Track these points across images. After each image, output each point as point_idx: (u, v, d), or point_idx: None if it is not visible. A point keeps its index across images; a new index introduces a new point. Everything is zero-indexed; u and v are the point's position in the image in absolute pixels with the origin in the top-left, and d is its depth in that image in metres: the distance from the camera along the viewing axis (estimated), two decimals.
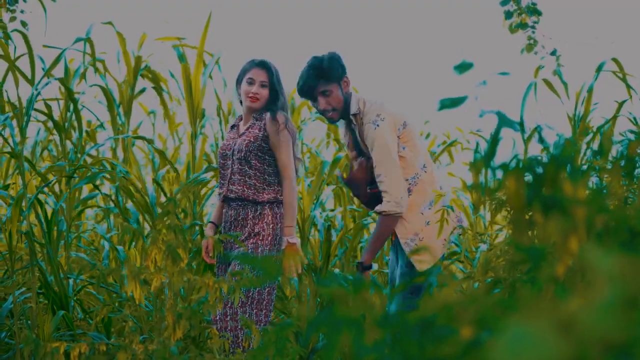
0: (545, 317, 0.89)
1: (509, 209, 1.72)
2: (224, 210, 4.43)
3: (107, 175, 5.24)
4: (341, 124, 4.35)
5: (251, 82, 4.35)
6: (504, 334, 0.92)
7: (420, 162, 4.09)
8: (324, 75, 4.09)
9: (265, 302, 4.20)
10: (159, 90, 6.14)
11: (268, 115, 4.33)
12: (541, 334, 0.87)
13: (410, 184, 4.07)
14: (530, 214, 1.65)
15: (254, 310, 4.15)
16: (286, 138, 4.30)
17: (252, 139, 4.30)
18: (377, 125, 4.00)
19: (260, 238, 4.23)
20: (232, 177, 4.31)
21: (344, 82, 4.13)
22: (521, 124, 1.43)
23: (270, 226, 4.26)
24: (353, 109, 4.10)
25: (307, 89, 4.13)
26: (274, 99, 4.36)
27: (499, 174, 1.61)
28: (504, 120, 1.50)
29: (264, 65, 4.37)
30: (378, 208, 4.01)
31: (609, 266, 0.85)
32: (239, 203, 4.30)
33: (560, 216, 1.52)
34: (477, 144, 1.76)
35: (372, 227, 6.33)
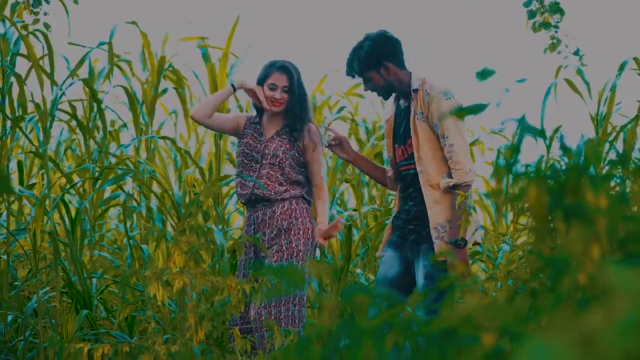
0: (566, 333, 0.89)
1: (530, 216, 1.72)
2: (247, 214, 4.40)
3: (139, 176, 5.27)
4: (386, 103, 4.34)
5: (273, 88, 4.34)
6: (525, 348, 0.92)
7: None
8: (359, 65, 4.08)
9: (297, 298, 4.23)
10: (179, 90, 6.17)
11: (310, 128, 4.39)
12: (562, 350, 0.87)
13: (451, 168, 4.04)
14: (552, 221, 1.65)
15: (288, 307, 4.18)
16: (321, 155, 4.42)
17: (288, 147, 4.34)
18: (449, 97, 3.99)
19: (293, 234, 4.25)
20: (259, 180, 4.30)
21: (384, 69, 4.06)
22: (542, 132, 1.42)
23: (300, 220, 4.28)
24: (414, 85, 4.06)
25: (347, 75, 4.17)
26: (295, 102, 4.35)
27: (521, 181, 1.61)
28: (526, 128, 1.50)
29: (284, 69, 4.36)
30: (454, 181, 3.92)
31: (629, 283, 0.85)
32: (265, 203, 4.30)
33: (582, 225, 1.52)
34: (499, 150, 1.77)
35: None
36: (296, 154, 4.36)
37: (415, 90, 4.06)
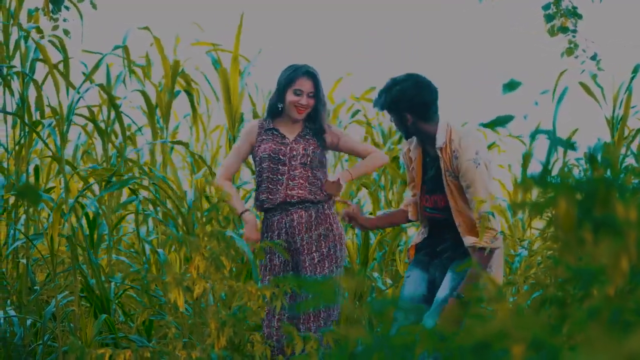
0: (609, 353, 0.89)
1: (557, 226, 1.72)
2: (275, 218, 4.31)
3: (140, 181, 5.28)
4: (407, 144, 4.26)
5: (299, 93, 4.26)
6: None
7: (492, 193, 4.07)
8: (383, 104, 4.05)
9: (333, 312, 4.25)
10: (190, 95, 6.18)
11: (331, 129, 4.39)
12: None
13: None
14: (579, 232, 1.65)
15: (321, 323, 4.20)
16: (350, 135, 4.50)
17: (314, 147, 4.30)
18: (479, 164, 3.93)
19: (331, 240, 4.26)
20: (291, 182, 4.25)
21: (404, 118, 4.02)
22: (572, 144, 1.43)
23: (334, 226, 4.29)
24: (439, 142, 4.01)
25: (374, 106, 4.16)
26: (319, 107, 4.32)
27: (550, 192, 1.61)
28: (555, 141, 1.50)
29: (310, 75, 4.29)
30: (483, 245, 3.91)
31: None
32: (300, 206, 4.26)
33: (611, 237, 1.52)
34: (524, 158, 1.78)
35: (412, 230, 6.33)
36: (322, 152, 4.33)
37: (440, 149, 4.02)
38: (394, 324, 1.82)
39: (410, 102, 4.00)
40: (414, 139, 4.19)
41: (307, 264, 4.24)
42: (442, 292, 4.01)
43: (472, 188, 3.92)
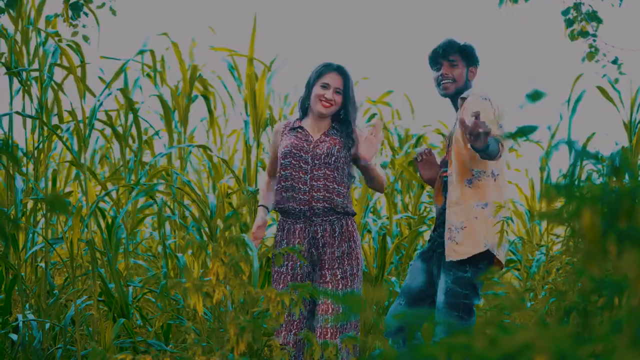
0: None
1: (581, 237, 1.72)
2: (298, 225, 4.17)
3: (164, 189, 5.31)
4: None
5: (326, 87, 4.15)
6: None
7: (493, 167, 4.00)
8: (461, 51, 4.13)
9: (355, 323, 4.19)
10: (207, 99, 6.19)
11: (363, 130, 4.26)
12: None
13: (473, 175, 3.99)
14: (604, 244, 1.64)
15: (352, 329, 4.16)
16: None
17: (340, 146, 4.16)
18: (486, 99, 3.95)
19: (353, 258, 4.15)
20: (316, 183, 4.12)
21: (471, 70, 4.15)
22: (596, 155, 1.44)
23: (357, 243, 4.19)
24: (465, 94, 4.06)
25: (441, 52, 4.12)
26: (348, 106, 4.20)
27: (575, 203, 1.61)
28: (581, 153, 1.50)
29: (341, 71, 4.19)
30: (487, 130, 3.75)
31: None
32: (325, 219, 4.14)
33: (636, 248, 1.52)
34: (544, 167, 1.78)
35: (426, 234, 6.32)
36: (348, 154, 4.18)
37: (463, 99, 4.05)
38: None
39: (477, 58, 4.18)
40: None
41: (328, 279, 4.12)
42: (440, 296, 4.01)
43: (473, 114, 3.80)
